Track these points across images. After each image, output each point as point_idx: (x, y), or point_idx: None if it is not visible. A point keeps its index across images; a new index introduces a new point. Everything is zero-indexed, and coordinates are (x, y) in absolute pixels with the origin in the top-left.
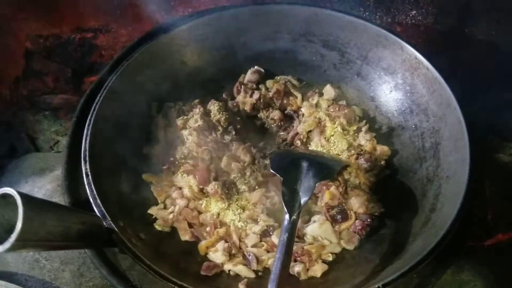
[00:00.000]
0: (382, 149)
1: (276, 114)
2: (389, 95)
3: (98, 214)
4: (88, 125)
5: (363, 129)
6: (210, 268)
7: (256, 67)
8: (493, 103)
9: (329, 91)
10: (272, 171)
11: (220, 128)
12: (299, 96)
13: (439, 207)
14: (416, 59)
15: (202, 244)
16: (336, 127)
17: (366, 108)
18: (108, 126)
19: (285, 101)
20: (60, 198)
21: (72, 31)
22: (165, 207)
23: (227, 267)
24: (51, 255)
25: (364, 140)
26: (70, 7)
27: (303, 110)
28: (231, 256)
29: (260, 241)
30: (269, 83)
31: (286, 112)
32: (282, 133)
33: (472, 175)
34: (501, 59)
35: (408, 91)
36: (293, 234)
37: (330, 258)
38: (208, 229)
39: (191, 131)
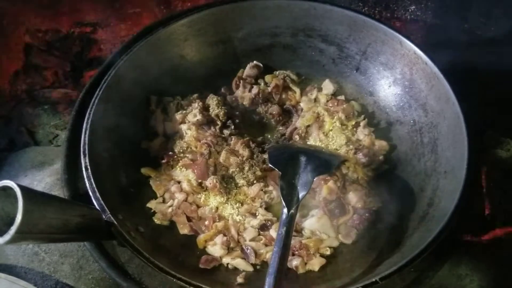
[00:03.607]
0: (381, 144)
1: (274, 109)
2: (387, 90)
3: (97, 207)
4: (88, 119)
5: (362, 124)
6: (209, 261)
7: (255, 62)
8: (491, 98)
9: (327, 86)
10: (270, 165)
11: (218, 122)
12: (297, 91)
13: (437, 202)
14: (415, 54)
15: (201, 238)
16: (335, 122)
17: (364, 103)
18: (107, 120)
19: (283, 96)
20: (59, 192)
21: (71, 26)
22: (164, 201)
23: (226, 260)
24: (51, 248)
25: (363, 135)
26: (69, 1)
27: (301, 105)
28: (229, 250)
29: (259, 235)
30: (268, 78)
31: (284, 107)
32: (280, 127)
33: (470, 170)
34: (500, 54)
35: (407, 86)
36: (291, 228)
37: (328, 252)
38: (206, 223)
39: (190, 126)
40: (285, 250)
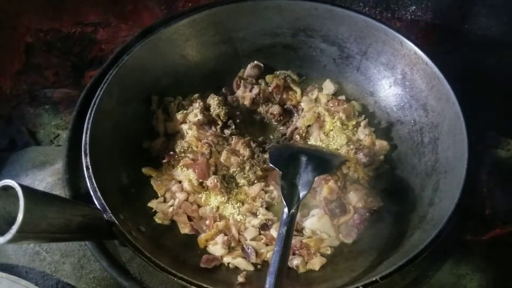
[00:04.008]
0: (381, 144)
1: (275, 108)
2: (388, 90)
3: (98, 206)
4: (89, 119)
5: (362, 124)
6: (210, 260)
7: (255, 62)
8: (492, 98)
9: (328, 86)
10: (271, 165)
11: (219, 122)
12: (298, 91)
13: (437, 201)
14: (416, 55)
15: (202, 237)
16: (335, 122)
17: (365, 103)
18: (108, 120)
19: (284, 96)
20: (60, 191)
21: (73, 26)
22: (165, 201)
23: (226, 260)
24: (52, 247)
25: (363, 135)
26: (71, 1)
27: (302, 105)
28: (230, 249)
29: (259, 234)
30: (268, 78)
31: (285, 107)
32: (281, 127)
33: (470, 170)
34: (501, 54)
35: (407, 86)
36: (292, 228)
37: (329, 252)
38: (207, 222)
39: (191, 125)
40: (285, 249)
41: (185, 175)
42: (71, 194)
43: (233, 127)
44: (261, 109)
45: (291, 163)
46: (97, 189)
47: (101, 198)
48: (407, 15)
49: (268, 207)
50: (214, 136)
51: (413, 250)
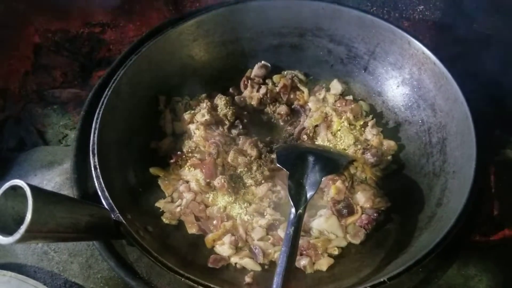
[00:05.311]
0: (389, 144)
1: (283, 108)
2: (396, 90)
3: (106, 206)
4: (97, 119)
5: (370, 124)
6: (217, 260)
7: (263, 62)
8: (500, 98)
9: (336, 86)
10: (278, 165)
11: (227, 122)
12: (306, 91)
13: (445, 202)
14: (423, 54)
15: (209, 237)
16: (343, 122)
17: (373, 103)
18: (116, 120)
19: (292, 96)
20: (68, 191)
21: (81, 26)
22: (172, 201)
23: (234, 260)
24: (60, 247)
25: (371, 135)
26: (79, 2)
27: (310, 105)
28: (237, 249)
29: (267, 234)
30: (276, 78)
31: (293, 106)
32: (289, 127)
33: (479, 171)
34: (510, 54)
35: (415, 86)
36: (299, 228)
37: (336, 252)
38: (215, 222)
39: (198, 125)
40: (293, 249)
41: (193, 175)
42: (79, 194)
43: (241, 127)
44: (269, 109)
45: (298, 163)
46: (105, 189)
47: (109, 198)
48: (415, 15)
49: (276, 207)
50: (221, 136)
51: (421, 250)
